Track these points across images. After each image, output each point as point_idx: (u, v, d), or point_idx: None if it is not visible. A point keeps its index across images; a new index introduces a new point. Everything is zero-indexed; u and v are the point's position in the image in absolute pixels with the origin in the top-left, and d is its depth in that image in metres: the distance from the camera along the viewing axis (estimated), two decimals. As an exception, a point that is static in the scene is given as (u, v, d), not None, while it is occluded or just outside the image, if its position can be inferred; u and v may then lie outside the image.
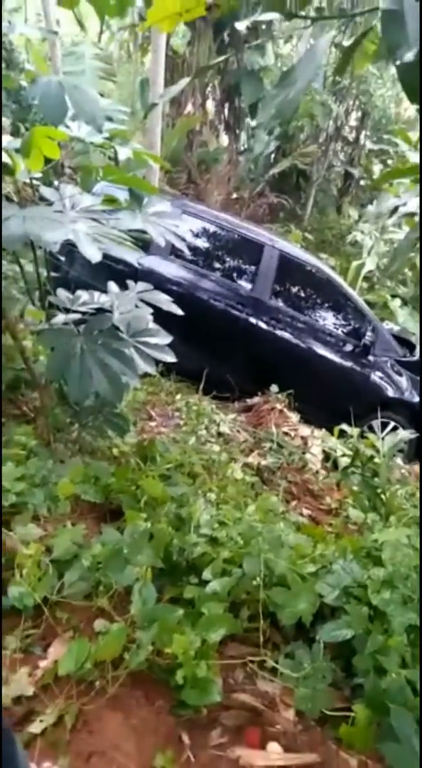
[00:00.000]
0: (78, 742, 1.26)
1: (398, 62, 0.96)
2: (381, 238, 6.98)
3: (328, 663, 1.44)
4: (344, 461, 3.50)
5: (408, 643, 1.42)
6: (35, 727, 1.27)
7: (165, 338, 2.51)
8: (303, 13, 1.52)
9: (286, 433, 3.87)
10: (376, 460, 2.64)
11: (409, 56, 0.94)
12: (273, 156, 9.46)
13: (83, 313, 2.45)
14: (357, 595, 1.60)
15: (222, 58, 6.93)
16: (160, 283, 3.96)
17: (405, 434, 2.93)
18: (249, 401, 4.25)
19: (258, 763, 1.27)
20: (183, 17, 1.35)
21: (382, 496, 2.52)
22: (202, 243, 4.56)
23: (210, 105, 9.68)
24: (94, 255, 1.87)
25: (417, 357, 4.80)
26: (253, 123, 9.09)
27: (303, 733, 1.35)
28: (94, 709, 1.32)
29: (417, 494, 3.09)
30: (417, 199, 2.51)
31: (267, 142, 8.78)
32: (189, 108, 9.05)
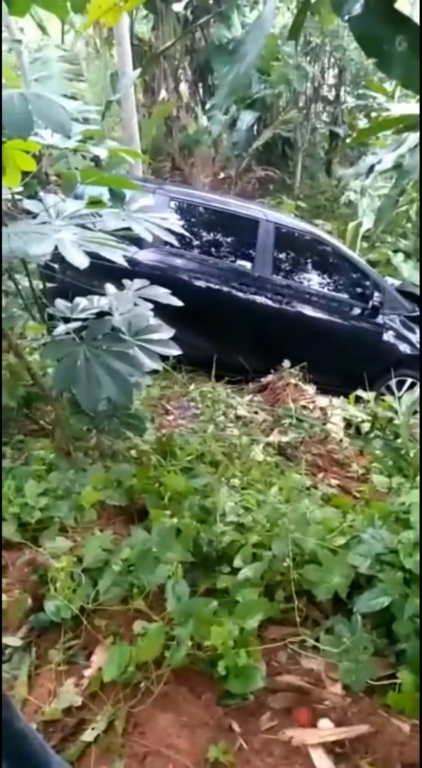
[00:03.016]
0: (131, 744, 1.28)
1: (346, 17, 0.92)
2: (374, 195, 6.81)
3: (369, 633, 1.44)
4: (366, 426, 3.46)
5: (447, 603, 1.41)
6: (88, 736, 1.30)
7: (167, 332, 2.51)
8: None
9: (304, 407, 3.84)
10: (395, 421, 2.60)
11: (357, 8, 0.90)
12: (255, 128, 9.26)
13: (84, 320, 2.45)
14: (389, 561, 1.58)
15: (175, 40, 6.75)
16: (159, 275, 3.94)
17: (423, 390, 2.88)
18: (263, 380, 4.22)
19: (310, 741, 1.27)
20: (125, 6, 1.31)
21: (407, 457, 2.49)
22: (196, 228, 4.51)
23: (183, 88, 9.50)
24: (81, 262, 1.87)
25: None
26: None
27: (352, 706, 1.35)
28: (143, 711, 1.34)
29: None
30: (393, 155, 2.42)
31: (223, 121, 8.59)
32: (163, 94, 8.89)
